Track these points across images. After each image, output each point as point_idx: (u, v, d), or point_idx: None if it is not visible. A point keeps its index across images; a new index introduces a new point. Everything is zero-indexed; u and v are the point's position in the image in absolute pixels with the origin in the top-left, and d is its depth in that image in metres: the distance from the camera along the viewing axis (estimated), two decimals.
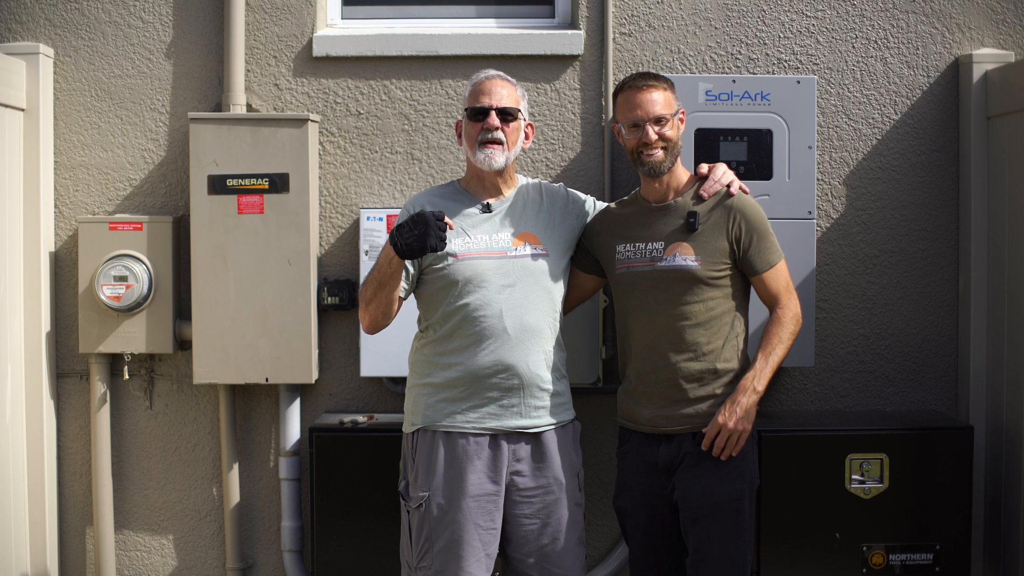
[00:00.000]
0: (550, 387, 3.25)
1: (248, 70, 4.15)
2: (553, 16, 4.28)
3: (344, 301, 4.09)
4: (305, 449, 4.11)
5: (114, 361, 4.17)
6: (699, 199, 3.27)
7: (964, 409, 4.09)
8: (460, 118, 3.35)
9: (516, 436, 3.22)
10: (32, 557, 4.09)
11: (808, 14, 4.13)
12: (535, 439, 3.24)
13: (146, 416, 4.22)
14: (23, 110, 4.06)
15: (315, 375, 4.07)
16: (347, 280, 4.12)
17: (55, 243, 4.20)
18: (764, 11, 4.12)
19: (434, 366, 3.24)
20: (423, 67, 4.16)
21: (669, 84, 3.28)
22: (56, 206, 4.20)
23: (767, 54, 4.12)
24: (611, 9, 4.10)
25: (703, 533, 3.22)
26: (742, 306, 3.31)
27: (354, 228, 4.14)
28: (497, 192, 3.33)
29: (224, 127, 3.97)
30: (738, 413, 3.17)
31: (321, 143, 4.15)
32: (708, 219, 3.24)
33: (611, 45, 4.11)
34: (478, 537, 3.17)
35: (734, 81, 3.90)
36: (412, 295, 3.31)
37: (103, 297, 3.98)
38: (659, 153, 3.23)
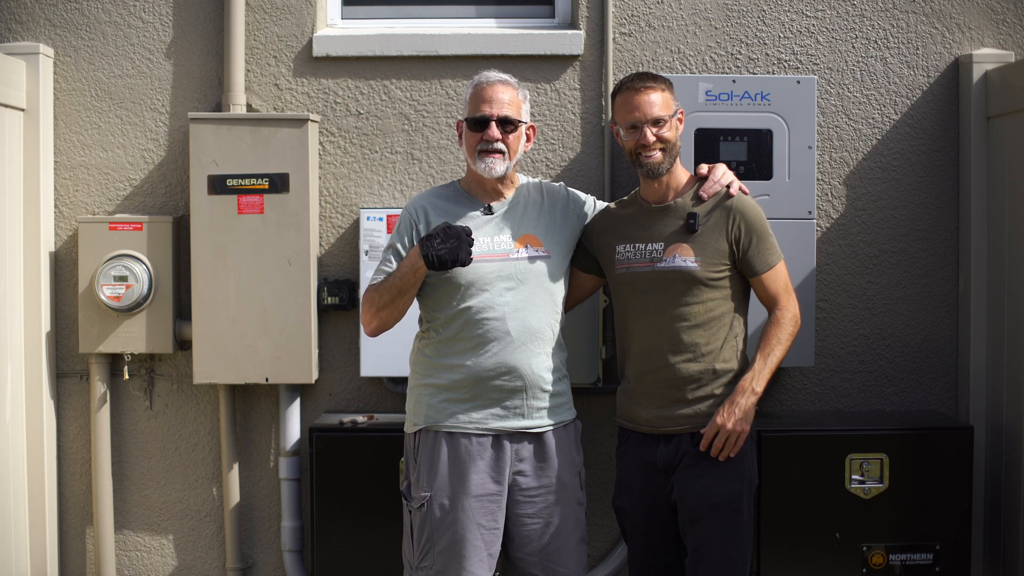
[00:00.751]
0: (552, 388, 3.26)
1: (248, 70, 4.15)
2: (553, 16, 4.28)
3: (344, 301, 4.09)
4: (305, 449, 4.11)
5: (114, 361, 4.17)
6: (699, 200, 3.27)
7: (964, 409, 4.09)
8: (460, 118, 3.35)
9: (519, 436, 3.23)
10: (32, 557, 4.09)
11: (808, 14, 4.13)
12: (538, 439, 3.25)
13: (146, 416, 4.22)
14: (23, 110, 4.06)
15: (315, 375, 4.07)
16: (347, 280, 4.12)
17: (55, 243, 4.20)
18: (764, 11, 4.12)
19: (437, 367, 3.24)
20: (423, 67, 4.16)
21: (667, 84, 3.28)
22: (56, 206, 4.20)
23: (767, 54, 4.12)
24: (611, 9, 4.10)
25: (701, 533, 3.22)
26: (741, 307, 3.31)
27: (354, 228, 4.14)
28: (498, 195, 3.33)
29: (224, 127, 3.97)
30: (736, 414, 3.17)
31: (321, 143, 4.15)
32: (708, 220, 3.24)
33: (611, 45, 4.11)
34: (481, 537, 3.17)
35: (734, 81, 3.90)
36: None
37: (103, 297, 3.98)
38: (657, 154, 3.23)
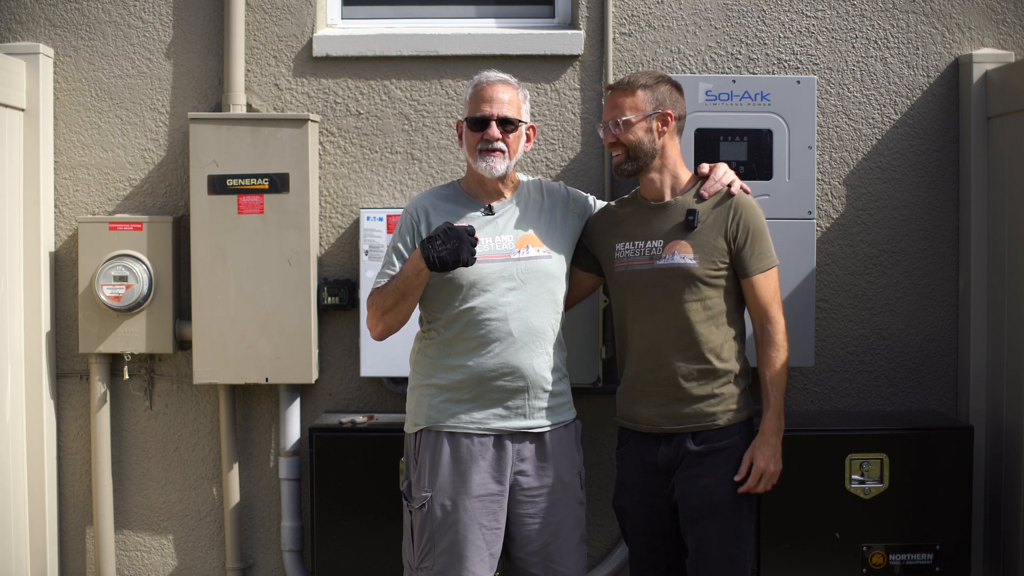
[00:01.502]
0: (553, 387, 3.26)
1: (248, 70, 4.15)
2: (553, 16, 4.28)
3: (344, 301, 4.09)
4: (305, 449, 4.11)
5: (114, 361, 4.17)
6: (700, 198, 3.27)
7: (964, 409, 4.09)
8: (460, 118, 3.35)
9: (520, 436, 3.23)
10: (32, 557, 4.09)
11: (808, 14, 4.13)
12: (539, 439, 3.25)
13: (146, 416, 4.22)
14: (23, 110, 4.06)
15: (315, 375, 4.07)
16: (347, 280, 4.12)
17: (55, 243, 4.19)
18: (764, 11, 4.12)
19: (438, 367, 3.24)
20: (423, 67, 4.16)
21: (646, 86, 3.24)
22: (56, 206, 4.20)
23: (767, 54, 4.12)
24: (611, 9, 4.10)
25: (702, 533, 3.22)
26: (740, 306, 3.31)
27: (354, 228, 4.14)
28: (499, 195, 3.33)
29: (224, 127, 3.97)
30: (775, 456, 3.23)
31: (321, 143, 4.15)
32: (707, 218, 3.24)
33: (611, 45, 4.11)
34: (482, 537, 3.17)
35: (734, 81, 3.90)
36: None
37: (103, 297, 3.98)
38: (619, 155, 3.26)
